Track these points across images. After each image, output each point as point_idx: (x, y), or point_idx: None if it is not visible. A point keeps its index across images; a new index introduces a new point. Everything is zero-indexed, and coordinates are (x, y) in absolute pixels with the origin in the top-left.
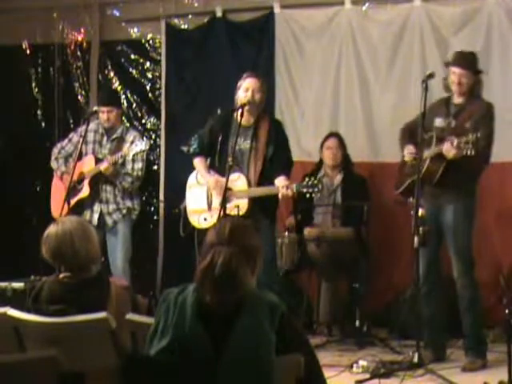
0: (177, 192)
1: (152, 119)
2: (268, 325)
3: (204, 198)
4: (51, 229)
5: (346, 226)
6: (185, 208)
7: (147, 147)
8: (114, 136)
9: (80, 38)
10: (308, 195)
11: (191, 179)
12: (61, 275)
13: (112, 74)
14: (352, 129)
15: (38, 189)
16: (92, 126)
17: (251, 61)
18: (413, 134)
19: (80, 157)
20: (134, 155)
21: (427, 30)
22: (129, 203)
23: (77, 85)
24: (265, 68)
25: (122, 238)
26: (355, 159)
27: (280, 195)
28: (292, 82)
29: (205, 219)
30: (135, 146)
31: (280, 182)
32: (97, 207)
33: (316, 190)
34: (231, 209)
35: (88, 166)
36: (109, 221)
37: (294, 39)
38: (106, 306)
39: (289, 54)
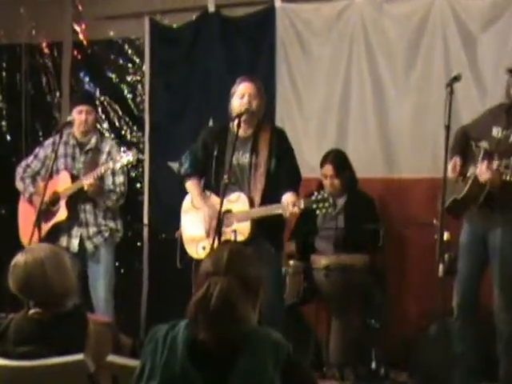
0: (163, 214)
1: (134, 131)
2: (272, 367)
3: (201, 224)
4: (19, 258)
5: (357, 252)
6: (181, 236)
7: (135, 158)
8: (88, 147)
9: (50, 38)
10: (318, 212)
11: (186, 203)
12: (30, 311)
13: (87, 78)
14: (363, 139)
15: (1, 212)
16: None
17: (248, 63)
18: (468, 140)
19: (51, 174)
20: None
21: (451, 26)
22: (111, 224)
23: (47, 91)
24: (264, 71)
25: (104, 265)
26: (367, 174)
27: (287, 214)
28: (295, 88)
29: (203, 248)
30: (121, 157)
31: (287, 198)
32: (76, 231)
33: (327, 204)
34: (228, 233)
35: (63, 184)
36: (89, 246)
37: (298, 38)
38: (83, 346)
39: (291, 54)
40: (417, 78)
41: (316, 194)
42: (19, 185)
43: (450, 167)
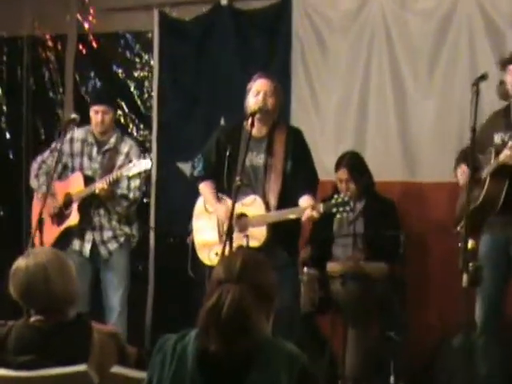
0: (171, 217)
1: (140, 129)
2: (286, 381)
3: (214, 229)
4: (20, 262)
5: (376, 260)
6: (192, 241)
7: (149, 166)
8: (106, 147)
9: (54, 30)
10: (338, 215)
11: (198, 206)
12: (31, 319)
13: (92, 73)
14: (383, 142)
15: (1, 213)
16: (80, 133)
17: (262, 59)
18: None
19: (61, 174)
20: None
21: (478, 21)
22: (127, 229)
23: (49, 86)
24: (279, 68)
25: (119, 273)
26: (386, 178)
27: (304, 217)
28: (311, 86)
29: (216, 254)
30: (134, 165)
31: (305, 202)
32: (89, 236)
33: (348, 208)
34: (241, 239)
35: (76, 186)
36: (103, 251)
37: (315, 33)
38: (86, 356)
39: (308, 50)
40: (440, 77)
41: (336, 196)
42: (33, 182)
43: (458, 174)
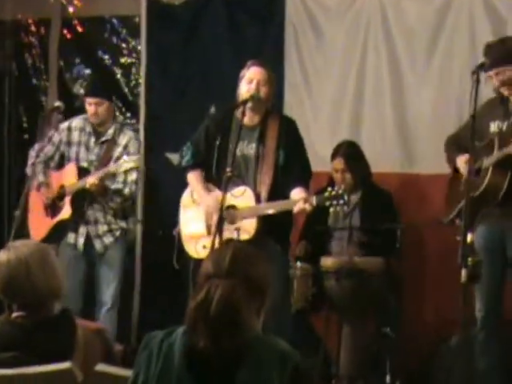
0: (159, 210)
1: (127, 117)
2: (277, 380)
3: (202, 220)
4: (1, 255)
5: (372, 254)
6: (179, 233)
7: (138, 163)
8: (104, 138)
9: (37, 14)
10: (332, 209)
11: (185, 197)
12: (13, 314)
13: (77, 60)
14: (380, 132)
15: None
16: (78, 122)
17: (255, 47)
18: (462, 146)
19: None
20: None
21: (478, 7)
22: (123, 223)
23: (32, 72)
24: (271, 55)
25: (114, 268)
26: (382, 169)
27: (296, 210)
28: (305, 74)
29: (204, 247)
30: (125, 161)
31: (297, 194)
32: (82, 229)
33: (342, 201)
34: (231, 231)
35: (69, 178)
36: (98, 245)
37: (309, 18)
38: (71, 353)
39: (302, 37)
40: (439, 65)
41: (330, 189)
42: (29, 170)
43: (459, 163)
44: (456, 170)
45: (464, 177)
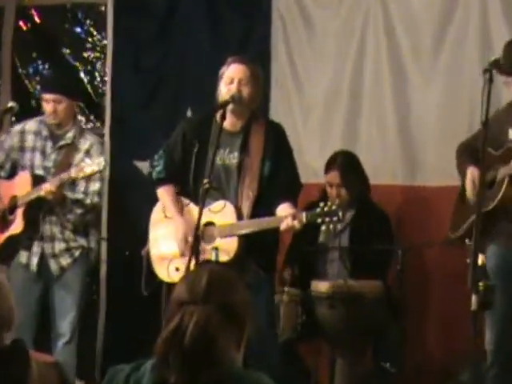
0: (127, 227)
1: (90, 120)
2: None
3: (175, 239)
4: None
5: (369, 277)
6: (148, 254)
7: (102, 167)
8: (62, 142)
9: None
10: (324, 227)
11: (156, 212)
12: None
13: (34, 54)
14: (379, 137)
15: None
16: (32, 125)
17: (237, 40)
18: (476, 153)
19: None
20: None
21: None
22: (83, 240)
23: None
24: (256, 51)
25: (72, 294)
26: (382, 181)
27: (282, 227)
28: (294, 71)
29: (176, 269)
30: (85, 165)
31: (284, 211)
32: (37, 248)
33: (335, 219)
34: (209, 252)
35: (22, 187)
36: (54, 267)
37: (299, 8)
38: None
39: (291, 29)
40: (447, 62)
41: (322, 204)
42: None
43: (467, 181)
44: None
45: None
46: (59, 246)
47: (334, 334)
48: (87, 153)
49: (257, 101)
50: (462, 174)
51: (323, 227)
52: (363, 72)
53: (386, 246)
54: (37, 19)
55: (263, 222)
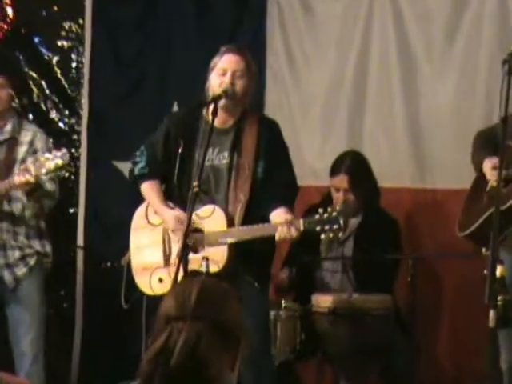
0: (105, 234)
1: (65, 116)
2: None
3: (159, 247)
4: None
5: (376, 291)
6: (128, 263)
7: (66, 160)
8: (2, 137)
9: None
10: (323, 236)
11: (138, 216)
12: None
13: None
14: (386, 137)
15: None
16: None
17: (229, 28)
18: (492, 146)
19: None
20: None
21: None
22: (37, 245)
23: None
24: (250, 39)
25: (31, 307)
26: (390, 184)
27: (278, 236)
28: (292, 63)
29: (160, 280)
30: (46, 158)
31: (279, 216)
32: None
33: (336, 226)
34: (197, 262)
35: None
36: (8, 278)
37: None
38: None
39: (288, 15)
40: (461, 51)
41: (321, 211)
42: None
43: (487, 167)
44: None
45: (489, 186)
46: (13, 254)
47: (336, 354)
48: (31, 145)
49: (250, 95)
50: (476, 164)
51: (323, 236)
52: (368, 62)
53: (394, 255)
54: (3, 2)
55: (256, 230)
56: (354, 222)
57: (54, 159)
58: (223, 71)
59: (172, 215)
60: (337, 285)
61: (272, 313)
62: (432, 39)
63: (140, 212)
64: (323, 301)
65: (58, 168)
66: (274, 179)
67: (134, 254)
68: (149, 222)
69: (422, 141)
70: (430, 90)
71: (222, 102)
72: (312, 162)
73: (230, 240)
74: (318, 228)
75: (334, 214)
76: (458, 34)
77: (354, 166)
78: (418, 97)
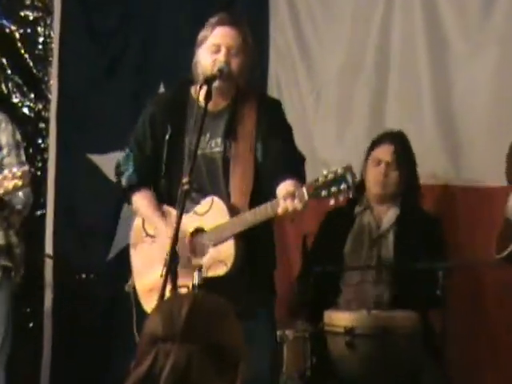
0: (79, 240)
1: (31, 100)
2: None
3: (163, 262)
4: None
5: (402, 306)
6: (134, 288)
7: (27, 181)
8: None
9: None
10: (333, 200)
11: (135, 230)
12: None
13: None
14: (412, 125)
15: None
16: None
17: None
18: None
19: None
20: None
21: None
22: (4, 259)
23: None
24: (249, 8)
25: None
26: (421, 180)
27: (280, 210)
28: (301, 39)
29: None
30: (7, 177)
31: (284, 189)
32: None
33: (344, 186)
34: (193, 270)
35: None
36: None
37: None
38: None
39: None
40: (501, 25)
41: (325, 172)
42: None
43: None
44: None
45: None
46: None
47: (353, 381)
48: None
49: (247, 74)
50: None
51: (332, 201)
52: (390, 38)
53: (441, 263)
54: None
55: (258, 213)
56: (390, 214)
57: (12, 179)
58: (216, 47)
59: (166, 233)
60: (366, 299)
61: (278, 333)
62: (465, 10)
63: (136, 226)
64: (338, 318)
65: (16, 189)
66: (274, 155)
67: (137, 277)
68: (147, 235)
69: (455, 131)
70: (463, 71)
71: (216, 83)
72: (325, 155)
73: (237, 229)
74: (324, 193)
75: (340, 171)
76: (497, 5)
77: (400, 139)
78: (450, 79)
